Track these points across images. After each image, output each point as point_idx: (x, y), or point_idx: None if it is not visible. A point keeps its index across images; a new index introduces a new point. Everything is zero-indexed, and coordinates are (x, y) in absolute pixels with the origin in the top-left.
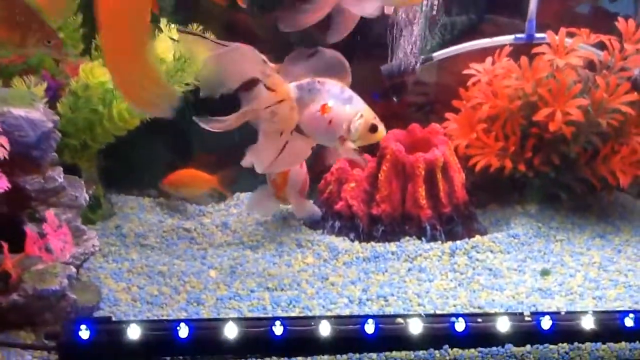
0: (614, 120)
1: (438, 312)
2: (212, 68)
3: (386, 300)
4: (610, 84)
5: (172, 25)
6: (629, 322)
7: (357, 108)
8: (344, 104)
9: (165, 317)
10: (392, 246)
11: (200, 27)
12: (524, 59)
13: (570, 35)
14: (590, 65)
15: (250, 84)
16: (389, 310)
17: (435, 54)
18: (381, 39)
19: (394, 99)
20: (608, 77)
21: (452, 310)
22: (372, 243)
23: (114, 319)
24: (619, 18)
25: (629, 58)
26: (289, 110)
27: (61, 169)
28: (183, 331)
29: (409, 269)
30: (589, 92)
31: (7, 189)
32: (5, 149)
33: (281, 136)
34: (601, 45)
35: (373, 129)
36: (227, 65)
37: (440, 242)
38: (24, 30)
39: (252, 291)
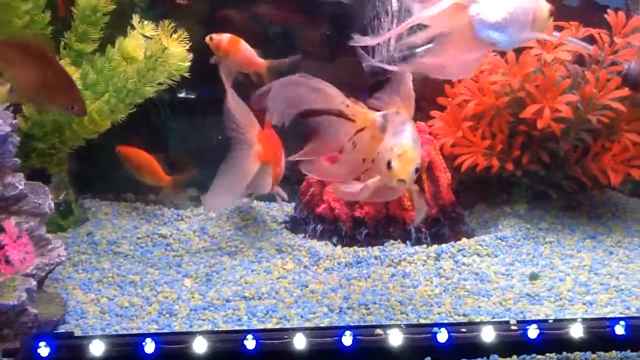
0: (604, 117)
1: (421, 320)
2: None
3: (368, 309)
4: (600, 79)
5: (145, 22)
6: (619, 329)
7: (395, 142)
8: (394, 137)
9: (135, 330)
10: (375, 250)
11: (174, 24)
12: (510, 54)
13: (559, 29)
14: (580, 59)
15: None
16: (371, 320)
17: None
18: (365, 35)
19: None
20: (598, 72)
21: (436, 318)
22: (355, 247)
23: (77, 334)
24: (609, 11)
25: (619, 52)
26: (370, 138)
27: (22, 175)
28: (149, 347)
29: (393, 275)
30: (578, 88)
31: None
32: None
33: (363, 163)
34: (591, 39)
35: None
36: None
37: (425, 245)
38: (54, 92)
39: (227, 301)
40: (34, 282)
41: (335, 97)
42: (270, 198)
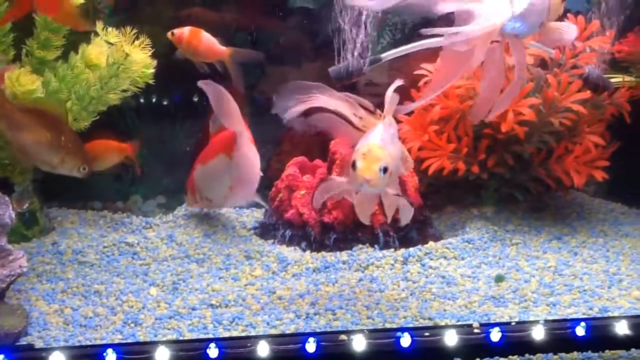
0: (567, 120)
1: (387, 325)
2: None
3: (334, 314)
4: (562, 83)
5: (109, 29)
6: (580, 331)
7: (363, 142)
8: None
9: (98, 341)
10: (343, 255)
11: (138, 30)
12: None
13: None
14: (542, 63)
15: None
16: (337, 325)
17: (383, 55)
18: (330, 39)
19: None
20: (560, 75)
21: (402, 322)
22: (323, 253)
23: (38, 345)
24: (569, 15)
25: (580, 55)
26: None
27: None
28: (110, 357)
29: (360, 279)
30: (540, 91)
31: None
32: None
33: None
34: None
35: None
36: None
37: (393, 249)
38: (65, 154)
39: (193, 309)
40: None
41: (348, 108)
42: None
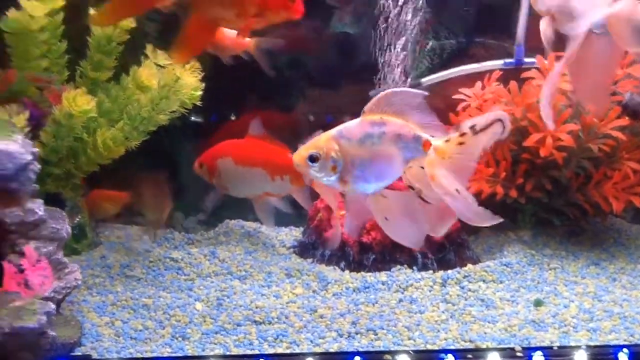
0: (606, 146)
1: (428, 346)
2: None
3: (376, 334)
4: None
5: (159, 51)
6: (623, 357)
7: None
8: None
9: (149, 354)
10: (382, 276)
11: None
12: (513, 84)
13: (561, 59)
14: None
15: None
16: (379, 345)
17: (424, 80)
18: (371, 63)
19: None
20: None
21: (443, 344)
22: (363, 272)
23: (94, 357)
24: None
25: (619, 82)
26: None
27: (42, 201)
28: None
29: (400, 300)
30: (579, 117)
31: None
32: None
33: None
34: None
35: None
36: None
37: (431, 271)
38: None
39: (238, 325)
40: (53, 306)
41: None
42: (279, 222)
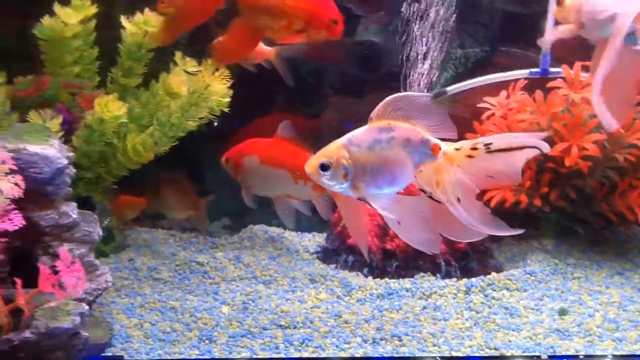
0: (631, 155)
1: (453, 353)
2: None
3: (400, 340)
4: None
5: (187, 59)
6: None
7: None
8: None
9: (177, 356)
10: (406, 282)
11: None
12: (538, 93)
13: (586, 69)
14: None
15: None
16: (404, 351)
17: (449, 88)
18: (395, 70)
19: None
20: None
21: (468, 351)
22: (386, 279)
23: (126, 357)
24: None
25: None
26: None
27: (75, 204)
28: None
29: (424, 307)
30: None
31: (21, 226)
32: (20, 187)
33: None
34: None
35: None
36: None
37: (455, 278)
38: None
39: (264, 329)
40: (86, 307)
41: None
42: (302, 228)
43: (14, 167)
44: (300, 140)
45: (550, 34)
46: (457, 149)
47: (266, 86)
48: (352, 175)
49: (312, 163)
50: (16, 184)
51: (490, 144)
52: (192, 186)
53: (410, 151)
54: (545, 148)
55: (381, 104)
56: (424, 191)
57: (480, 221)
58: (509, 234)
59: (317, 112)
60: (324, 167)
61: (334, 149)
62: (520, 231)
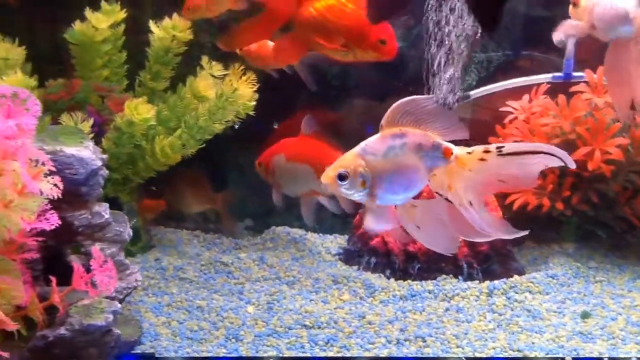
0: None
1: (477, 355)
2: None
3: (424, 341)
4: None
5: (213, 62)
6: None
7: None
8: None
9: (205, 354)
10: (429, 284)
11: (239, 64)
12: (562, 97)
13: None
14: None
15: None
16: (428, 352)
17: (472, 92)
18: (419, 74)
19: None
20: None
21: (491, 353)
22: (409, 281)
23: (157, 355)
24: None
25: None
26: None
27: (107, 205)
28: None
29: (447, 309)
30: (628, 131)
31: (57, 225)
32: (59, 188)
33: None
34: None
35: None
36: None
37: (477, 281)
38: None
39: (289, 328)
40: (119, 305)
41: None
42: (325, 229)
43: (53, 169)
44: (324, 133)
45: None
46: (469, 153)
47: (291, 90)
48: (370, 182)
49: (328, 174)
50: (55, 185)
51: (502, 147)
52: (208, 182)
53: (423, 156)
54: (560, 153)
55: (390, 110)
56: (439, 194)
57: (491, 225)
58: (518, 235)
59: (340, 115)
60: (341, 177)
61: (350, 159)
62: (526, 232)
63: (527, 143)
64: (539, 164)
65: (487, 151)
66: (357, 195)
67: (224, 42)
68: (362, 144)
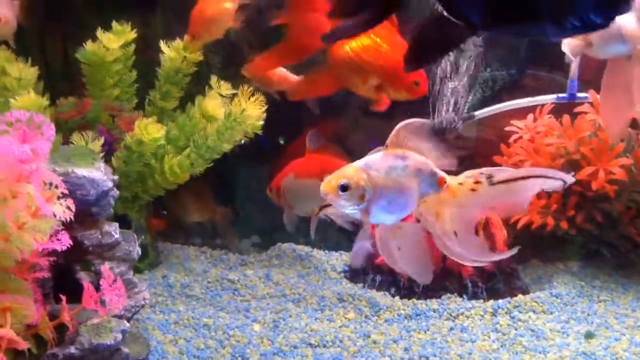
0: None
1: None
2: None
3: None
4: None
5: (222, 82)
6: None
7: None
8: None
9: None
10: (433, 303)
11: (247, 84)
12: (566, 118)
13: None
14: (634, 123)
15: None
16: None
17: (477, 112)
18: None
19: None
20: None
21: None
22: (414, 300)
23: None
24: None
25: None
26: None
27: (117, 224)
28: None
29: (451, 328)
30: (632, 151)
31: (69, 246)
32: (71, 211)
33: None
34: None
35: None
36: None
37: (482, 300)
38: None
39: (295, 347)
40: (127, 324)
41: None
42: (330, 246)
43: (65, 191)
44: (330, 145)
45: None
46: (461, 183)
47: (293, 106)
48: (370, 197)
49: (330, 183)
50: (68, 207)
51: (492, 176)
52: (210, 193)
53: (420, 181)
54: (553, 173)
55: (395, 130)
56: (418, 220)
57: (476, 254)
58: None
59: (346, 132)
60: (343, 188)
61: (353, 171)
62: (512, 253)
63: (519, 169)
64: (532, 189)
65: (477, 182)
66: (353, 209)
67: (249, 71)
68: (365, 158)
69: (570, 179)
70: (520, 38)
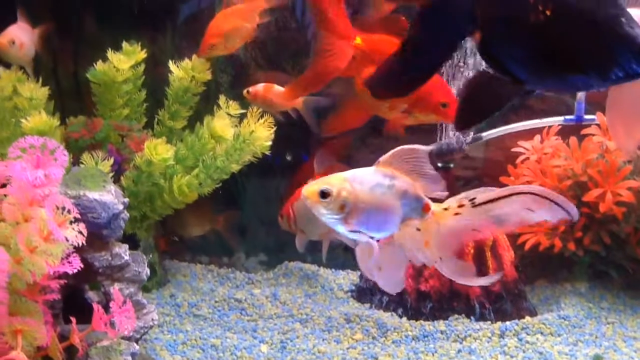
0: None
1: None
2: None
3: None
4: None
5: (231, 102)
6: None
7: None
8: None
9: None
10: (441, 325)
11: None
12: (573, 140)
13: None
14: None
15: None
16: None
17: (484, 134)
18: None
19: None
20: None
21: None
22: (422, 321)
23: None
24: None
25: None
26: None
27: (127, 246)
28: None
29: (459, 350)
30: (639, 174)
31: (80, 269)
32: (83, 235)
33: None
34: None
35: None
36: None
37: (489, 321)
38: None
39: None
40: (137, 347)
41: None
42: (337, 265)
43: (77, 216)
44: (340, 165)
45: None
46: (446, 209)
47: (300, 124)
48: (349, 209)
49: (312, 188)
50: (80, 232)
51: (475, 198)
52: (208, 204)
53: (404, 204)
54: (539, 190)
55: (391, 152)
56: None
57: (463, 279)
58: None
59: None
60: (324, 194)
61: (337, 180)
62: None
63: (501, 188)
64: (519, 207)
65: (461, 205)
66: (331, 218)
67: (282, 97)
68: (353, 171)
69: (556, 197)
70: (567, 92)
